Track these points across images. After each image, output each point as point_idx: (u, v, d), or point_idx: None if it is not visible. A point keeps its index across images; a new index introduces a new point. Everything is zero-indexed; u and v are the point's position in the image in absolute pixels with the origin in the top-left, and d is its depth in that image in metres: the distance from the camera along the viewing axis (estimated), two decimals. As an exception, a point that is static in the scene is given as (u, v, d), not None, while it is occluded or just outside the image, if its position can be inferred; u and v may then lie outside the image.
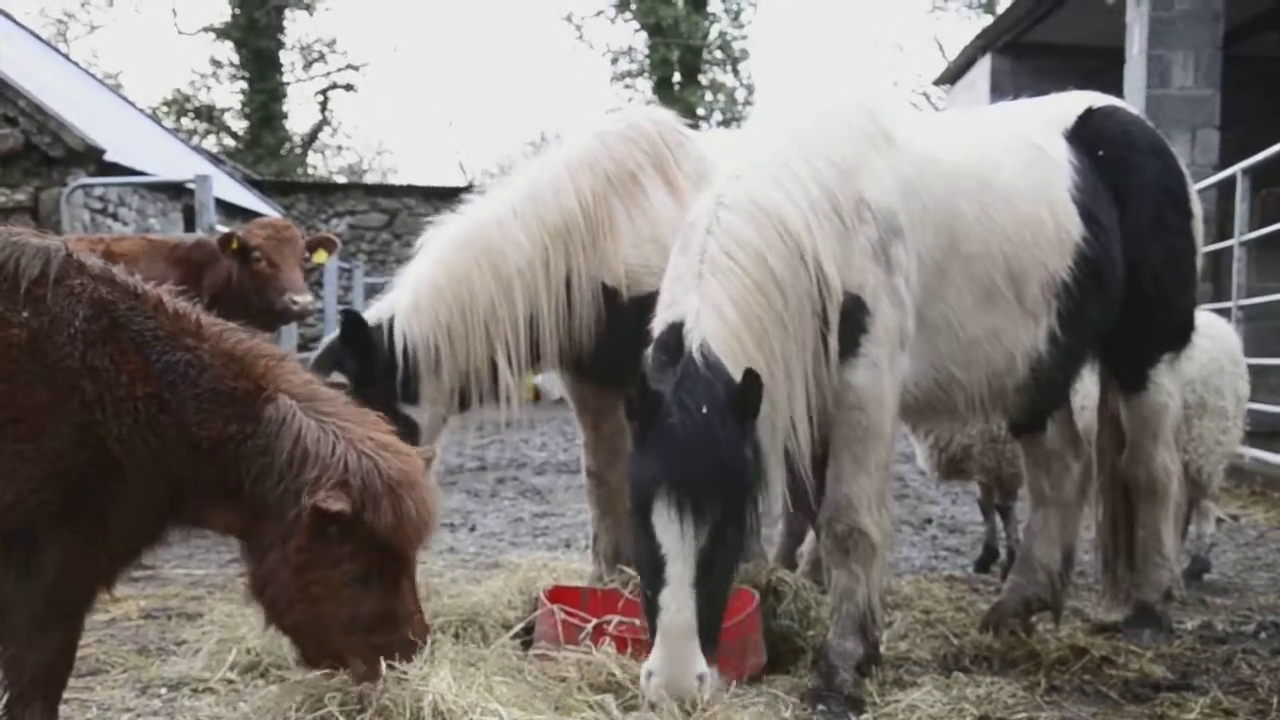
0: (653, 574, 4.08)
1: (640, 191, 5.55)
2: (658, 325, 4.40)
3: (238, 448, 3.47)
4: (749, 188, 4.48)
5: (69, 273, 3.45)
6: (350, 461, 3.45)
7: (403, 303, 5.36)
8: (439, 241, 5.53)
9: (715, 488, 4.00)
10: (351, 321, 5.37)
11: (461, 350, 5.33)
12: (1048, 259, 5.07)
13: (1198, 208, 5.80)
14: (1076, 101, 5.64)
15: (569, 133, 5.79)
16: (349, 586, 3.48)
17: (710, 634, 4.09)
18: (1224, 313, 9.91)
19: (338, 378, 5.26)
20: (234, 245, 7.60)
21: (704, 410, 4.02)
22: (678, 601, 4.00)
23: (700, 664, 4.01)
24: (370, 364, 5.31)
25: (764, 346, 4.27)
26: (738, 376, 4.11)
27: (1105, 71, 13.65)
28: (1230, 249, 10.94)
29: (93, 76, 27.14)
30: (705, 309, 4.23)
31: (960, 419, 5.64)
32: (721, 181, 4.58)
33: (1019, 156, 5.18)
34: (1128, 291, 5.40)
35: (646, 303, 5.37)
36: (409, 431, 5.00)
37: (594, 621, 4.96)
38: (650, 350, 4.35)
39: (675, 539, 4.00)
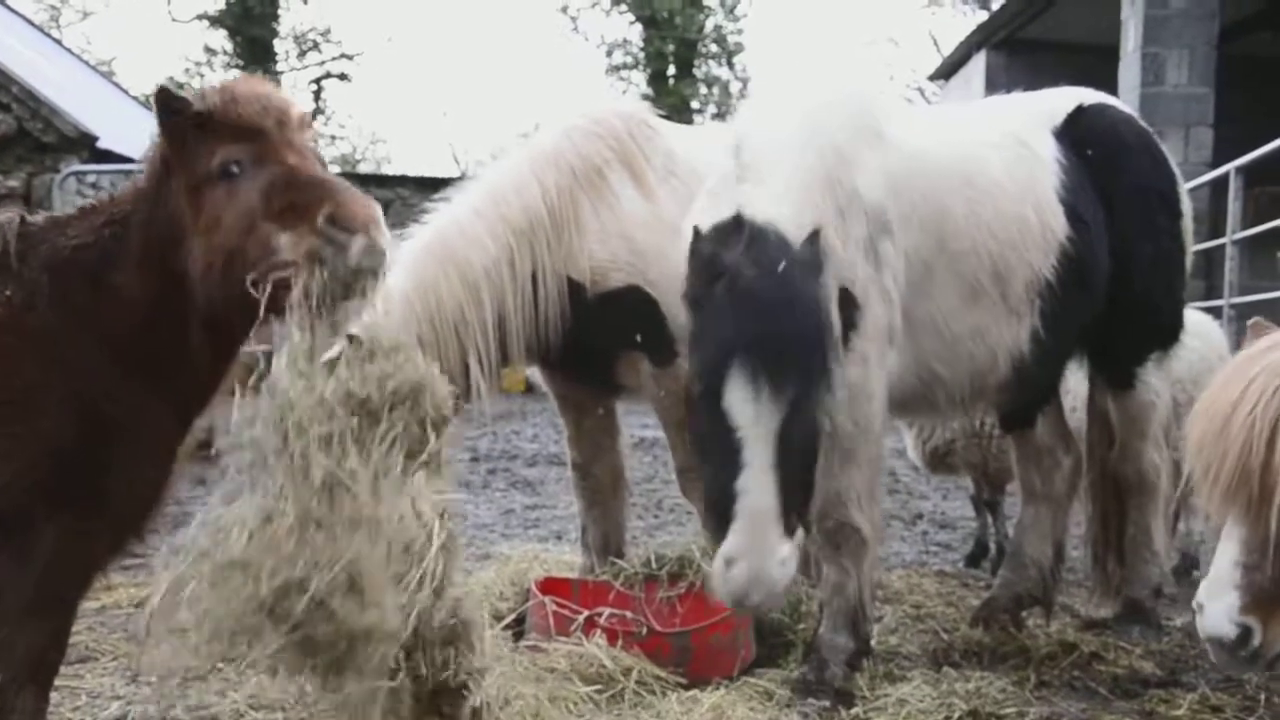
0: (727, 458, 3.87)
1: (607, 187, 5.54)
2: (700, 226, 4.20)
3: (152, 237, 3.37)
4: (765, 143, 4.51)
5: (29, 243, 3.44)
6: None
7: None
8: (406, 251, 5.47)
9: (798, 350, 3.85)
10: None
11: (433, 358, 5.31)
12: (1032, 258, 5.08)
13: (1187, 207, 5.81)
14: (1067, 99, 5.63)
15: (539, 130, 5.77)
16: (231, 190, 3.21)
17: (793, 512, 3.91)
18: (1216, 311, 9.93)
19: None
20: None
21: (781, 266, 3.88)
22: (759, 485, 3.83)
23: (783, 550, 3.84)
24: None
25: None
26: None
27: (1100, 68, 13.68)
28: (1223, 247, 10.95)
29: (86, 63, 27.08)
30: (759, 200, 4.20)
31: (941, 414, 5.64)
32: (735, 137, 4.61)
33: (1006, 154, 5.18)
34: (1116, 291, 5.41)
35: (613, 298, 5.37)
36: None
37: (585, 613, 4.97)
38: (690, 252, 4.12)
39: (752, 418, 3.81)
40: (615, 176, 5.55)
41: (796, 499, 3.96)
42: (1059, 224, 5.16)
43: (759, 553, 3.80)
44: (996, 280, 4.99)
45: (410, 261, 5.40)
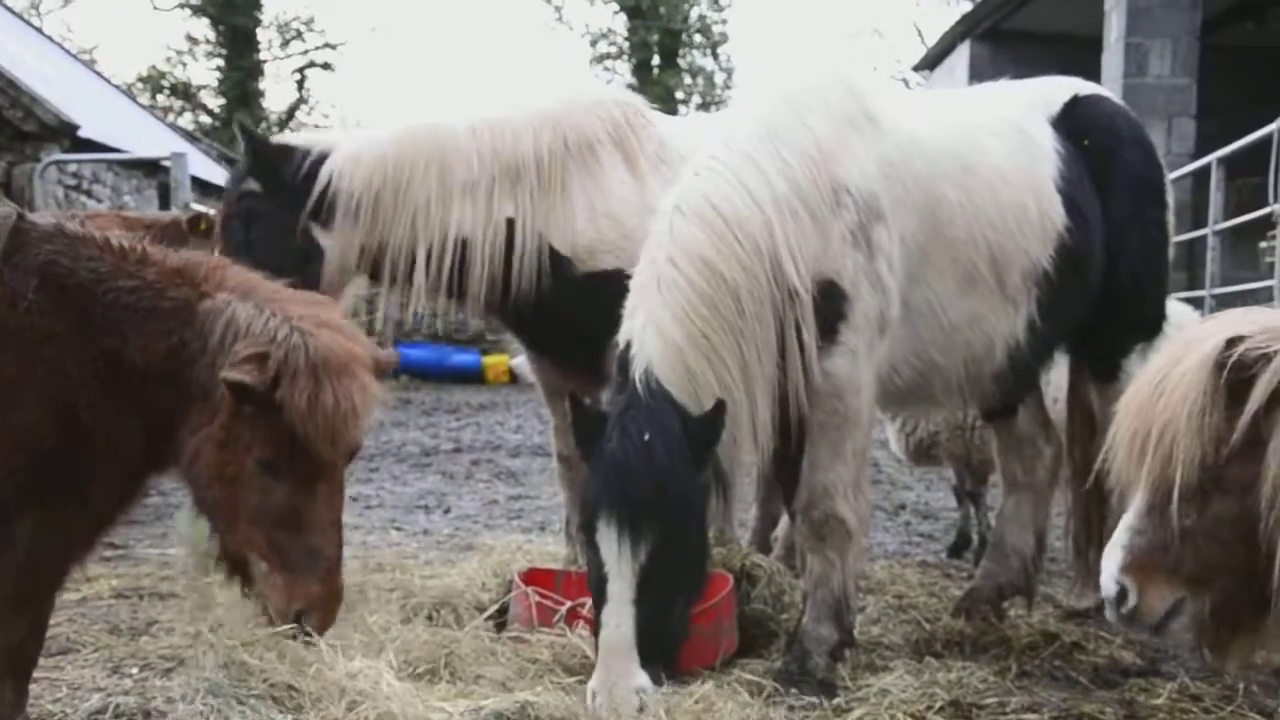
0: (598, 590, 4.20)
1: (597, 164, 5.53)
2: (620, 337, 4.43)
3: (180, 355, 3.36)
4: (706, 188, 4.46)
5: (20, 241, 3.41)
6: (279, 334, 3.27)
7: (345, 148, 5.41)
8: (402, 125, 5.59)
9: (653, 514, 4.09)
10: (254, 141, 5.50)
11: (383, 223, 5.36)
12: (1030, 246, 5.07)
13: (1171, 199, 5.83)
14: (1062, 87, 5.63)
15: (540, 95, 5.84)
16: (260, 474, 3.30)
17: (656, 650, 4.16)
18: (1197, 301, 9.97)
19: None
20: (203, 226, 7.57)
21: (645, 437, 4.11)
22: (616, 618, 4.13)
23: (638, 679, 4.09)
24: (276, 176, 5.39)
25: (713, 362, 4.28)
26: (683, 399, 4.19)
27: (1083, 59, 13.68)
28: (1204, 238, 11.00)
29: (66, 51, 26.92)
30: (649, 329, 4.27)
31: (937, 405, 5.64)
32: (683, 182, 4.58)
33: (1005, 141, 5.17)
34: (1106, 281, 5.41)
35: (600, 280, 5.36)
36: (312, 254, 5.28)
37: (568, 604, 4.96)
38: (615, 365, 4.44)
39: (614, 558, 4.11)
40: (607, 156, 5.55)
41: (661, 631, 4.19)
42: (1058, 214, 5.16)
43: (614, 686, 4.08)
44: (994, 267, 4.98)
45: (398, 135, 5.46)
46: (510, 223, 5.39)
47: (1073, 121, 5.44)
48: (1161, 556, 3.23)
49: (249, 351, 3.23)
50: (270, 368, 3.22)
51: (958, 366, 5.05)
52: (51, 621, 3.77)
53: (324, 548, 3.37)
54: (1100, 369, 5.68)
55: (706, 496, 4.33)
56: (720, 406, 4.19)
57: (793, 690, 4.46)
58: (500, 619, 5.17)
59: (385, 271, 5.47)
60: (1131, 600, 3.26)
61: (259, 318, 3.33)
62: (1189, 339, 3.35)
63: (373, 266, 5.49)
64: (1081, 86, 5.69)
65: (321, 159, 5.37)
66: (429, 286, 5.44)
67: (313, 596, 3.37)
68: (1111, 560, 3.30)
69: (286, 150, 5.46)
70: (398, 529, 8.26)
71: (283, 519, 3.33)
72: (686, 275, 4.31)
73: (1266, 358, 3.08)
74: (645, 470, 4.09)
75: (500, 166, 5.40)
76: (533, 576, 5.30)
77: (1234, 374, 3.10)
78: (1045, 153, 5.25)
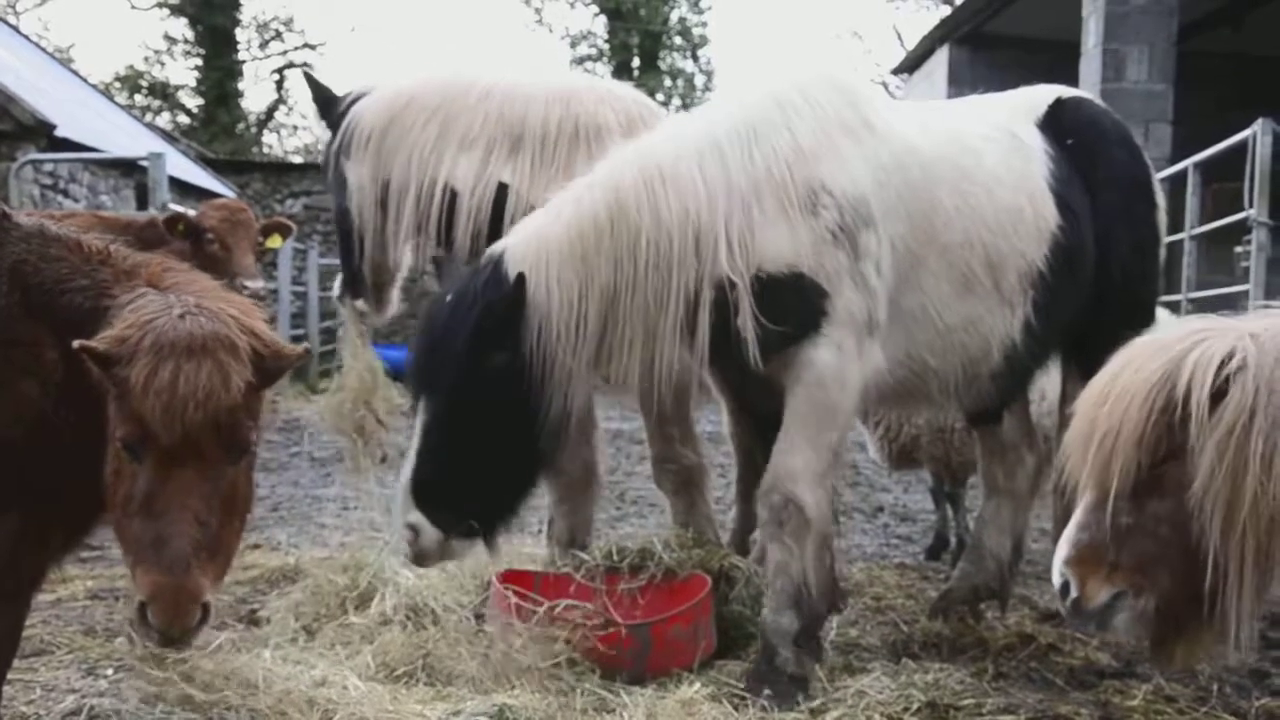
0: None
1: (603, 153, 5.52)
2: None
3: None
4: (662, 154, 4.59)
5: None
6: (145, 317, 3.12)
7: (379, 89, 5.64)
8: (431, 74, 5.76)
9: (425, 371, 4.44)
10: (313, 87, 5.83)
11: (385, 159, 5.48)
12: (1026, 248, 5.11)
13: (1161, 199, 5.85)
14: (1045, 93, 5.69)
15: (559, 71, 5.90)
16: (127, 460, 3.13)
17: (436, 498, 4.44)
18: (1174, 305, 10.02)
19: None
20: (180, 228, 7.54)
21: (449, 298, 4.41)
22: (408, 463, 4.48)
23: (410, 515, 4.44)
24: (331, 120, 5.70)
25: (567, 270, 4.41)
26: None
27: (1061, 64, 13.78)
28: (1181, 242, 11.05)
29: (43, 50, 26.77)
30: (531, 223, 4.51)
31: (935, 405, 5.64)
32: (645, 144, 4.71)
33: (999, 146, 5.22)
34: (1095, 280, 5.44)
35: None
36: (342, 186, 5.53)
37: (547, 604, 4.96)
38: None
39: (419, 408, 4.46)
40: (614, 147, 5.53)
41: (442, 484, 4.44)
42: (1051, 214, 5.20)
43: (395, 519, 4.49)
44: (990, 270, 5.02)
45: (423, 81, 5.63)
46: (503, 187, 5.38)
47: (1058, 123, 5.48)
48: (1103, 552, 3.35)
49: (114, 331, 3.11)
50: (124, 346, 3.07)
51: (955, 368, 5.07)
52: (26, 623, 3.74)
53: (172, 537, 3.09)
54: (1090, 369, 5.65)
55: (513, 380, 4.37)
56: (519, 279, 4.31)
57: (765, 690, 4.46)
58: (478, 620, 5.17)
59: (390, 208, 5.53)
60: (1073, 592, 3.38)
61: (149, 305, 3.19)
62: (1149, 344, 3.45)
63: (381, 203, 5.55)
64: (1064, 91, 5.74)
65: (359, 98, 5.59)
66: (414, 226, 5.48)
67: (155, 587, 3.07)
68: (1059, 554, 3.43)
69: (337, 97, 5.73)
70: (375, 530, 8.22)
71: (140, 506, 3.13)
72: (593, 198, 4.50)
73: (1232, 375, 3.16)
74: (429, 329, 4.43)
75: (503, 130, 5.42)
76: (510, 577, 5.29)
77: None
78: (1036, 155, 5.31)
